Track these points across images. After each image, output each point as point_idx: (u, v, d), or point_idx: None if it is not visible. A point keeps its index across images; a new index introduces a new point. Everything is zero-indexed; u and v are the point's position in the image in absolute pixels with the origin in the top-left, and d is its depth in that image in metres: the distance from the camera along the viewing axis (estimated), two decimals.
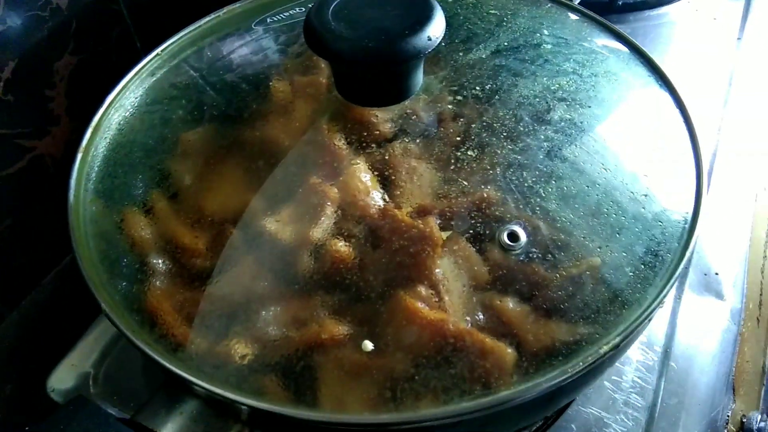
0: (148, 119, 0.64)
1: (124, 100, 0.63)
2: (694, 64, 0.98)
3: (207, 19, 0.70)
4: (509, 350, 0.48)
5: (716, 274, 0.75)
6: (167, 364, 0.44)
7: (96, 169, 0.58)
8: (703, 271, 0.75)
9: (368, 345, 0.49)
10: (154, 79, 0.66)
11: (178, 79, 0.68)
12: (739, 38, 1.03)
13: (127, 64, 0.76)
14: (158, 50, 0.67)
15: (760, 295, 0.78)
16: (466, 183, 0.59)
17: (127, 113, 0.63)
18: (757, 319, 0.76)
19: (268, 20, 0.67)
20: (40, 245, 0.80)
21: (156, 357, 0.44)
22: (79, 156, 0.57)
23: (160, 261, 0.58)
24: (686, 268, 0.73)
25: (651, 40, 1.00)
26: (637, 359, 0.67)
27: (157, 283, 0.56)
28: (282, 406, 0.43)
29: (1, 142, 0.71)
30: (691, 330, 0.70)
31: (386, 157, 0.60)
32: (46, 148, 0.78)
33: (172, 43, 0.67)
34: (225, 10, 0.70)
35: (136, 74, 0.65)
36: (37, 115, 0.76)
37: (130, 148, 0.62)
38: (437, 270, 0.53)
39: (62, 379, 0.66)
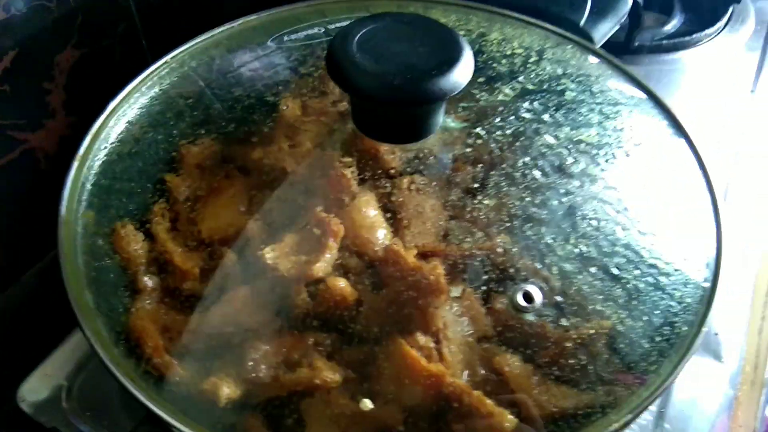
0: (151, 131, 0.61)
1: (127, 108, 0.61)
2: (706, 113, 0.97)
3: (220, 29, 0.67)
4: (509, 416, 0.45)
5: (716, 334, 0.73)
6: (149, 404, 0.41)
7: (91, 180, 0.55)
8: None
9: (368, 404, 0.47)
10: (160, 88, 0.63)
11: (185, 90, 0.65)
12: (752, 91, 1.02)
13: (131, 62, 0.73)
14: (167, 58, 0.64)
15: (756, 357, 0.77)
16: (479, 233, 0.58)
17: (129, 123, 0.60)
18: (752, 382, 0.75)
19: (285, 38, 0.64)
20: (24, 240, 0.77)
21: (138, 394, 0.42)
22: (75, 164, 0.54)
23: (151, 282, 0.55)
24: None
25: (664, 84, 0.99)
26: None
27: (146, 306, 0.54)
28: None
29: None
30: (687, 391, 0.68)
31: (396, 193, 0.58)
32: (39, 141, 0.75)
33: (181, 52, 0.65)
34: (240, 21, 0.68)
35: (141, 81, 0.62)
36: (32, 107, 0.73)
37: (130, 160, 0.59)
38: (441, 321, 0.51)
39: (34, 389, 0.63)
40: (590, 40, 0.70)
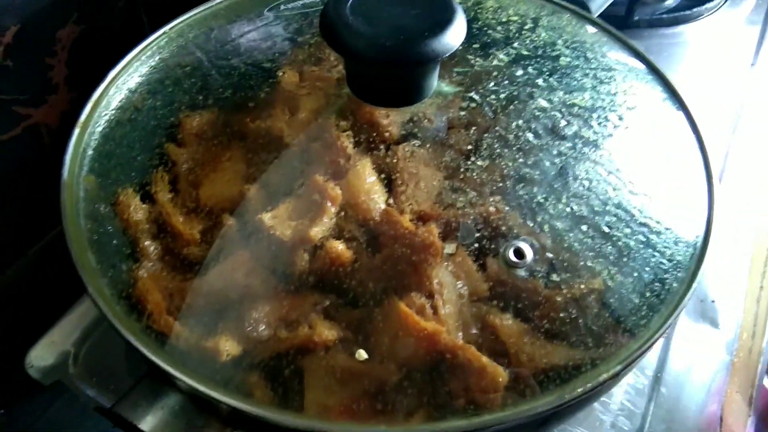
0: (150, 99, 0.62)
1: (128, 77, 0.61)
2: (706, 86, 0.97)
3: (218, 1, 0.68)
4: (502, 370, 0.46)
5: (713, 301, 0.74)
6: (151, 356, 0.42)
7: (93, 145, 0.56)
8: (700, 298, 0.74)
9: (362, 354, 0.48)
10: (159, 57, 0.64)
11: (184, 59, 0.66)
12: (752, 64, 1.02)
13: (132, 37, 0.74)
14: (166, 28, 0.65)
15: (754, 325, 0.77)
16: (473, 193, 0.58)
17: (130, 91, 0.61)
18: (749, 349, 0.76)
19: (282, 7, 0.65)
20: (28, 215, 0.78)
21: (140, 348, 0.43)
22: (77, 131, 0.55)
23: (152, 247, 0.56)
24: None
25: (664, 58, 0.99)
26: (627, 382, 0.67)
27: (148, 269, 0.55)
28: (265, 409, 0.41)
29: None
30: (684, 357, 0.69)
31: (393, 160, 0.59)
32: (42, 117, 0.76)
33: (180, 22, 0.66)
34: None
35: (141, 51, 0.63)
36: (35, 82, 0.74)
37: (130, 127, 0.60)
38: (435, 280, 0.52)
39: (42, 356, 0.65)
40: (587, 9, 0.70)
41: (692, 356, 0.69)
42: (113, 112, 0.59)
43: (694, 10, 1.05)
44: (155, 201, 0.60)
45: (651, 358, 0.69)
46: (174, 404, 0.42)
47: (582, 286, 0.49)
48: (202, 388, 0.41)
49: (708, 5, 1.06)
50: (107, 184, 0.57)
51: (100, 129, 0.57)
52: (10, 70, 0.70)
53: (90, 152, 0.55)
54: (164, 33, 0.65)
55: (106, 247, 0.54)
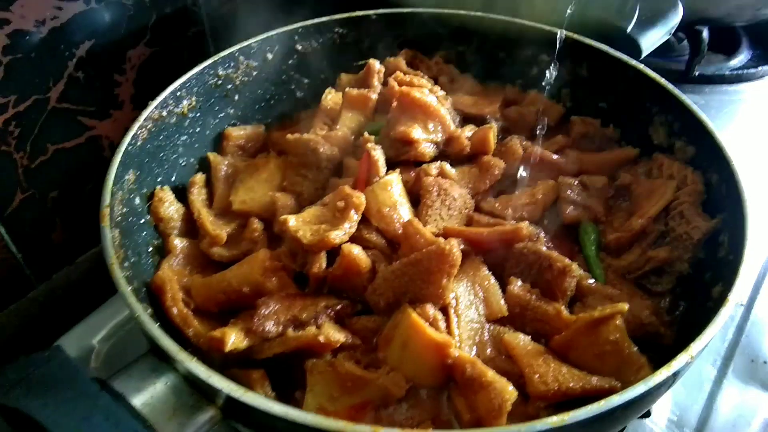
0: (199, 112, 0.67)
1: (184, 92, 0.65)
2: (763, 145, 0.93)
3: (274, 32, 0.72)
4: (510, 387, 0.44)
5: (764, 363, 0.68)
6: (151, 330, 0.43)
7: (138, 144, 0.59)
8: (750, 357, 0.68)
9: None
10: (213, 72, 0.68)
11: (236, 75, 0.70)
12: None
13: (198, 63, 0.78)
14: (225, 53, 0.69)
15: None
16: (500, 216, 0.58)
17: (183, 102, 0.65)
18: None
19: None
20: (82, 224, 0.81)
21: (142, 319, 0.43)
22: (130, 134, 0.59)
23: (179, 244, 0.58)
24: (731, 350, 0.67)
25: (724, 114, 0.96)
26: None
27: (172, 264, 0.56)
28: (258, 399, 0.40)
29: (64, 116, 0.74)
30: (728, 418, 0.63)
31: (421, 177, 0.59)
32: (105, 130, 0.80)
33: (238, 49, 0.70)
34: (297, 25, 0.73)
35: (200, 71, 0.67)
36: (102, 96, 0.78)
37: (177, 133, 0.64)
38: (451, 294, 0.50)
39: (66, 347, 0.66)
40: (637, 47, 0.69)
41: (737, 419, 0.63)
42: (163, 117, 0.62)
43: (760, 68, 1.02)
44: (190, 203, 0.62)
45: (692, 415, 0.63)
46: (168, 383, 0.42)
47: (604, 309, 0.47)
48: (199, 370, 0.41)
49: None
50: (146, 181, 0.59)
51: (148, 132, 0.60)
52: (80, 82, 0.74)
53: (135, 151, 0.58)
54: (224, 56, 0.69)
55: (135, 237, 0.56)
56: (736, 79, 1.01)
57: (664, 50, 0.92)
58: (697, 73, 1.00)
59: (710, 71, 1.02)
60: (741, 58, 1.07)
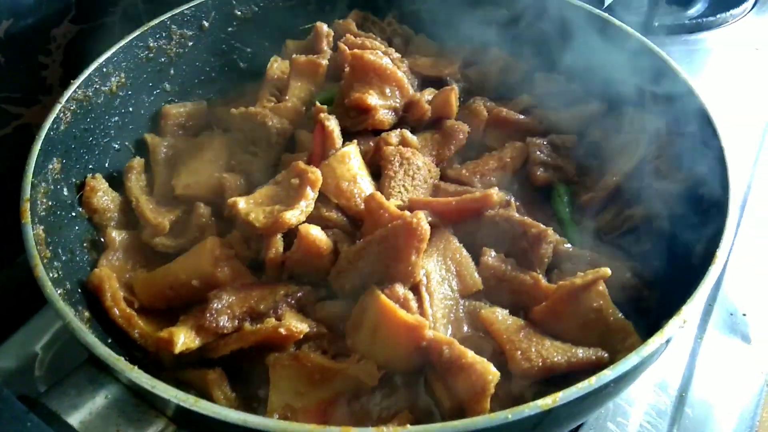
0: (130, 89, 0.60)
1: (111, 67, 0.59)
2: (731, 93, 0.91)
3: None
4: (492, 368, 0.40)
5: (744, 315, 0.66)
6: (84, 337, 0.38)
7: (62, 129, 0.53)
8: (729, 311, 0.67)
9: None
10: (144, 45, 0.62)
11: (171, 49, 0.63)
12: None
13: None
14: (153, 23, 0.62)
15: None
16: (468, 183, 0.54)
17: (110, 79, 0.58)
18: None
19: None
20: (18, 222, 0.75)
21: (74, 325, 0.38)
22: (52, 116, 0.52)
23: (118, 237, 0.52)
24: (710, 304, 0.66)
25: (687, 64, 0.94)
26: (647, 401, 0.59)
27: (112, 260, 0.51)
28: (212, 407, 0.35)
29: None
30: (712, 374, 0.62)
31: (381, 146, 0.54)
32: (34, 117, 0.74)
33: (169, 17, 0.63)
34: None
35: (128, 42, 0.60)
36: (28, 81, 0.72)
37: (106, 115, 0.58)
38: (422, 271, 0.46)
39: (6, 356, 0.60)
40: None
41: (721, 374, 0.62)
42: (90, 98, 0.56)
43: (718, 16, 1.00)
44: (127, 190, 0.56)
45: (675, 375, 0.61)
46: (108, 396, 0.37)
47: (585, 275, 0.43)
48: (142, 379, 0.36)
49: (733, 11, 1.00)
50: (76, 169, 0.53)
51: (71, 114, 0.54)
52: (1, 67, 0.68)
53: (59, 137, 0.52)
54: (151, 26, 0.62)
55: (66, 232, 0.50)
56: (695, 27, 0.99)
57: (622, 1, 0.90)
58: (656, 24, 0.98)
59: (669, 21, 1.00)
60: (698, 7, 1.05)
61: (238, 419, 0.34)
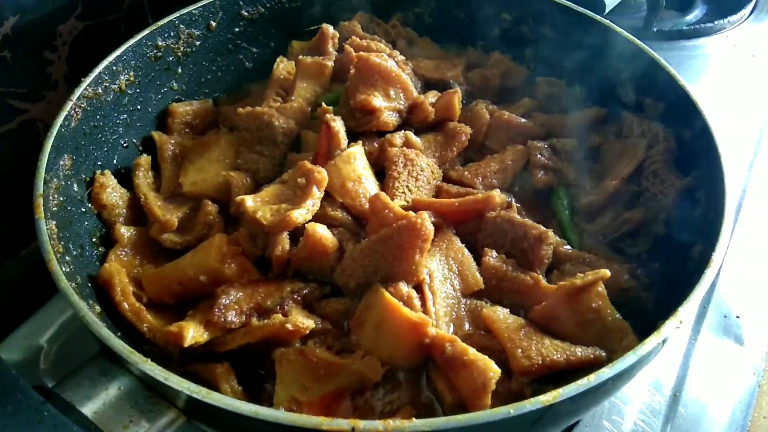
0: (139, 88, 0.61)
1: (120, 66, 0.59)
2: (728, 98, 0.93)
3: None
4: (494, 365, 0.41)
5: (737, 317, 0.68)
6: (98, 330, 0.38)
7: (73, 126, 0.53)
8: (723, 313, 0.68)
9: None
10: (151, 43, 0.62)
11: (177, 46, 0.64)
12: None
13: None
14: (161, 22, 0.63)
15: None
16: (470, 184, 0.55)
17: (119, 78, 0.59)
18: None
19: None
20: (23, 215, 0.76)
21: (88, 318, 0.39)
22: (63, 114, 0.53)
23: (126, 233, 0.53)
24: (704, 306, 0.67)
25: (685, 70, 0.95)
26: (642, 400, 0.61)
27: (120, 255, 0.52)
28: (223, 398, 0.36)
29: None
30: (705, 375, 0.63)
31: (385, 147, 0.55)
32: (39, 112, 0.74)
33: (177, 17, 0.64)
34: None
35: (136, 42, 0.61)
36: (34, 77, 0.72)
37: (115, 113, 0.59)
38: (425, 270, 0.47)
39: (11, 349, 0.61)
40: (601, 2, 0.67)
41: (714, 375, 0.63)
42: (99, 94, 0.57)
43: (716, 23, 1.01)
44: (135, 187, 0.57)
45: (669, 375, 0.63)
46: (122, 387, 0.38)
47: (585, 276, 0.44)
48: (155, 371, 0.37)
49: (731, 18, 1.02)
50: (84, 165, 0.54)
51: (82, 111, 0.54)
52: (7, 62, 0.68)
53: (70, 133, 0.52)
54: (159, 26, 0.63)
55: (76, 227, 0.51)
56: (693, 33, 1.00)
57: (621, 7, 0.91)
58: (655, 29, 0.99)
59: (668, 27, 1.01)
60: (696, 13, 1.07)
61: (249, 411, 0.35)
